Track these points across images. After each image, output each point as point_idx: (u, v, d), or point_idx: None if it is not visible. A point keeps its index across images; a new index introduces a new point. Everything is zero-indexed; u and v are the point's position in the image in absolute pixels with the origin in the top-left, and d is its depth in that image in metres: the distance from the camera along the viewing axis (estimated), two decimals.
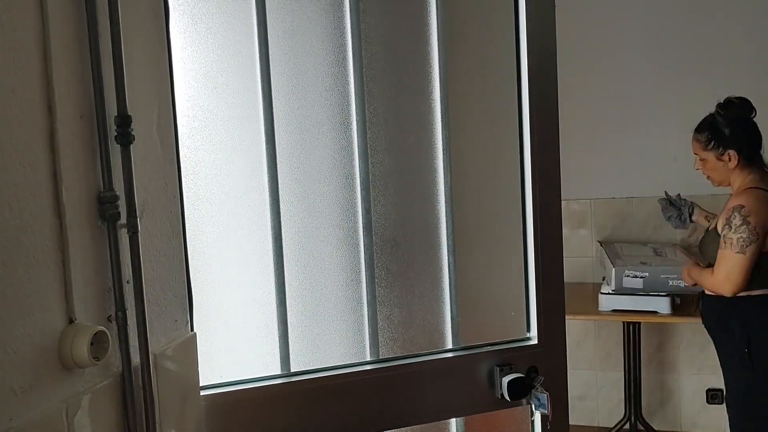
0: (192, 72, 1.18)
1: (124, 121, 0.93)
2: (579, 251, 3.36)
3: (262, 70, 1.23)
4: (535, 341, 1.39)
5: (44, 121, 0.83)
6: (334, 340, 1.31)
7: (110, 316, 0.93)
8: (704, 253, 2.46)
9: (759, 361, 2.26)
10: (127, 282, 0.95)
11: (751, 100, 3.12)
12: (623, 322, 3.15)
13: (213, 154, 1.20)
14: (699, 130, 2.39)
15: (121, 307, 0.93)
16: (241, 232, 1.24)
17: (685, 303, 2.87)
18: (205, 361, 1.17)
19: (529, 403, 1.37)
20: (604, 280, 3.07)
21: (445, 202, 1.36)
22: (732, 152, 2.29)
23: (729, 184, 2.36)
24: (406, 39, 1.32)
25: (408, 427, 1.39)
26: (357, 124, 1.29)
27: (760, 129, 3.12)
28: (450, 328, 1.38)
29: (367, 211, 1.31)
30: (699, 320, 2.78)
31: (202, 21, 1.18)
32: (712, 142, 2.33)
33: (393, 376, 1.31)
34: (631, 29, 3.19)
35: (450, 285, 1.37)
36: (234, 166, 1.23)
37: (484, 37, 1.37)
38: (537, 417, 1.39)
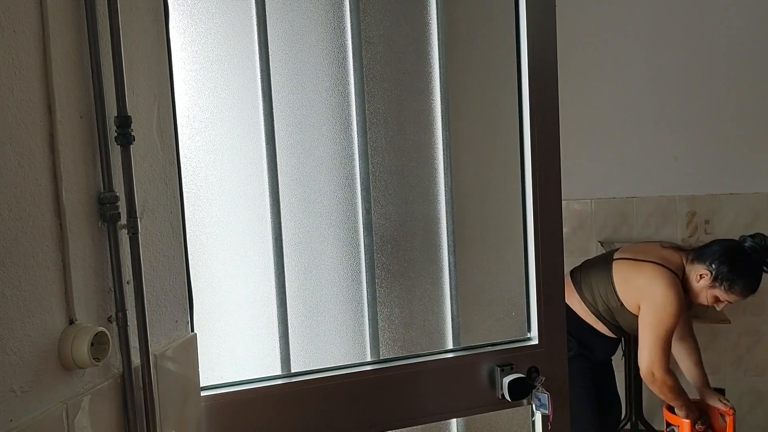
0: (192, 72, 1.18)
1: (124, 121, 0.93)
2: (579, 251, 3.35)
3: (262, 70, 1.23)
4: (535, 341, 1.39)
5: (44, 121, 0.82)
6: (335, 340, 1.31)
7: (110, 316, 0.93)
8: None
9: None
10: (128, 282, 0.95)
11: (750, 101, 3.13)
12: None
13: (213, 154, 1.20)
14: None
15: (121, 308, 0.93)
16: (241, 232, 1.24)
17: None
18: (206, 362, 1.17)
19: (529, 403, 1.37)
20: None
21: (446, 202, 1.36)
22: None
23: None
24: (406, 39, 1.32)
25: (408, 428, 1.39)
26: (357, 123, 1.29)
27: (758, 127, 3.15)
28: (450, 328, 1.38)
29: (367, 211, 1.31)
30: (699, 320, 2.78)
31: (202, 21, 1.18)
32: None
33: (393, 377, 1.31)
34: (632, 29, 3.19)
35: (450, 285, 1.37)
36: (234, 166, 1.22)
37: (485, 37, 1.37)
38: (538, 417, 1.39)
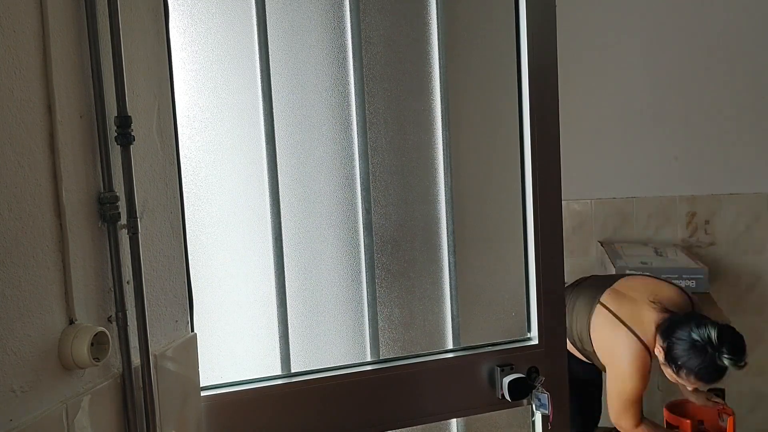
0: (192, 72, 1.18)
1: (124, 121, 0.93)
2: (579, 251, 3.35)
3: (262, 70, 1.23)
4: (535, 341, 1.39)
5: (44, 121, 0.82)
6: (335, 340, 1.31)
7: (110, 316, 0.93)
8: None
9: None
10: (128, 282, 0.95)
11: (750, 101, 3.13)
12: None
13: (213, 154, 1.20)
14: None
15: (121, 308, 0.93)
16: (241, 232, 1.24)
17: None
18: (206, 362, 1.17)
19: (529, 403, 1.37)
20: None
21: (445, 202, 1.36)
22: None
23: None
24: (406, 39, 1.32)
25: (408, 428, 1.39)
26: (357, 124, 1.29)
27: (758, 127, 3.15)
28: (450, 328, 1.38)
29: (367, 211, 1.31)
30: None
31: (202, 21, 1.18)
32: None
33: (393, 377, 1.31)
34: (632, 29, 3.19)
35: (450, 285, 1.37)
36: (234, 166, 1.22)
37: (485, 37, 1.37)
38: (538, 417, 1.39)
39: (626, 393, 2.10)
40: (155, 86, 1.05)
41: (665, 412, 2.41)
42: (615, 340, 2.13)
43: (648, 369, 2.09)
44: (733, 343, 1.96)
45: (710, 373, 1.96)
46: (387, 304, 1.33)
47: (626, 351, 2.09)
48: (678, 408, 2.42)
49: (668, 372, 2.06)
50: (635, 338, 2.09)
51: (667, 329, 2.04)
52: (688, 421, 2.32)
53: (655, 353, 2.07)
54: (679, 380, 2.05)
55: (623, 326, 2.12)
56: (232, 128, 1.22)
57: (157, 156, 1.05)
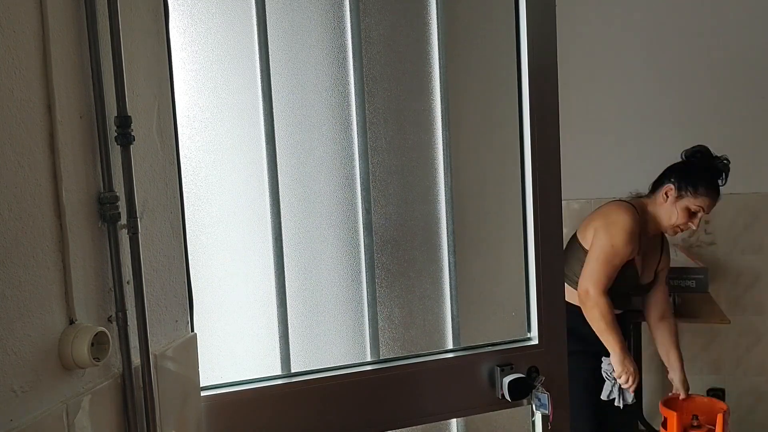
0: (192, 72, 1.18)
1: (123, 121, 0.93)
2: None
3: (262, 70, 1.23)
4: (535, 341, 1.39)
5: (44, 121, 0.82)
6: (335, 340, 1.31)
7: (110, 316, 0.93)
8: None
9: None
10: (128, 282, 0.95)
11: (750, 101, 3.13)
12: None
13: (213, 154, 1.20)
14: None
15: (121, 308, 0.93)
16: (241, 232, 1.24)
17: (685, 303, 2.87)
18: (206, 362, 1.17)
19: (529, 403, 1.37)
20: None
21: (445, 202, 1.36)
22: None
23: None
24: (406, 39, 1.32)
25: (409, 428, 1.39)
26: (357, 124, 1.29)
27: (758, 127, 3.15)
28: (450, 328, 1.38)
29: (367, 211, 1.31)
30: (699, 320, 2.77)
31: (202, 21, 1.18)
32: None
33: (393, 377, 1.31)
34: (632, 29, 3.19)
35: (450, 285, 1.37)
36: (234, 166, 1.22)
37: (485, 37, 1.37)
38: (538, 417, 1.39)
39: (614, 241, 2.22)
40: (155, 86, 1.05)
41: (660, 407, 2.43)
42: (600, 211, 2.36)
43: (638, 219, 2.28)
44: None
45: (716, 181, 2.30)
46: (387, 304, 1.33)
47: (614, 207, 2.32)
48: (672, 403, 2.45)
49: (684, 205, 2.30)
50: (619, 200, 2.37)
51: (664, 174, 2.36)
52: (675, 413, 2.34)
53: (661, 202, 2.32)
54: (697, 202, 2.29)
55: (604, 204, 2.39)
56: (232, 128, 1.22)
57: (157, 156, 1.05)
